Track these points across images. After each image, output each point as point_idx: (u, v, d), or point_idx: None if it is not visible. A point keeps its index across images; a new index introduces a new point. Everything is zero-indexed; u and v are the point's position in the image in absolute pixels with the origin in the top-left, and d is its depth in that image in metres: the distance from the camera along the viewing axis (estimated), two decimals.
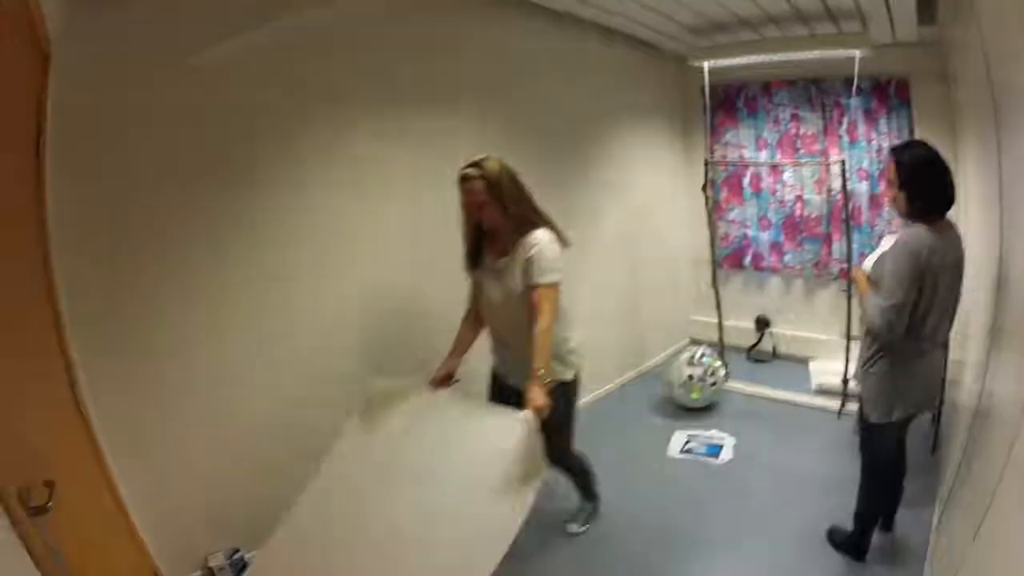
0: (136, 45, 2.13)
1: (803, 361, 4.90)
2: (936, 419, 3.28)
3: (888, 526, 2.74)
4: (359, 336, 2.94)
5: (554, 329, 2.25)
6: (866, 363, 2.36)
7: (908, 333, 2.22)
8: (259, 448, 2.58)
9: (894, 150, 2.30)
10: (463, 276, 2.56)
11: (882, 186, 4.22)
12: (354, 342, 2.92)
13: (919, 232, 2.17)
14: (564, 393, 2.41)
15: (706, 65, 4.59)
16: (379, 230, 2.99)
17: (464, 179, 2.24)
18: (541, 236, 2.27)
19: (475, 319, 2.54)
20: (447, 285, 2.70)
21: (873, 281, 2.29)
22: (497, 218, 2.27)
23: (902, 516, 2.72)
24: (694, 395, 4.10)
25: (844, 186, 3.94)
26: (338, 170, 2.81)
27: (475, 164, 2.24)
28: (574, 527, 2.97)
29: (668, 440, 3.85)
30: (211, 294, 2.44)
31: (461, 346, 2.50)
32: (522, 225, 2.28)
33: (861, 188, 4.56)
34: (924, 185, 2.19)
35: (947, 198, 2.20)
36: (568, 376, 2.45)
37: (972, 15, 2.02)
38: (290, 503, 2.01)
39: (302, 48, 2.59)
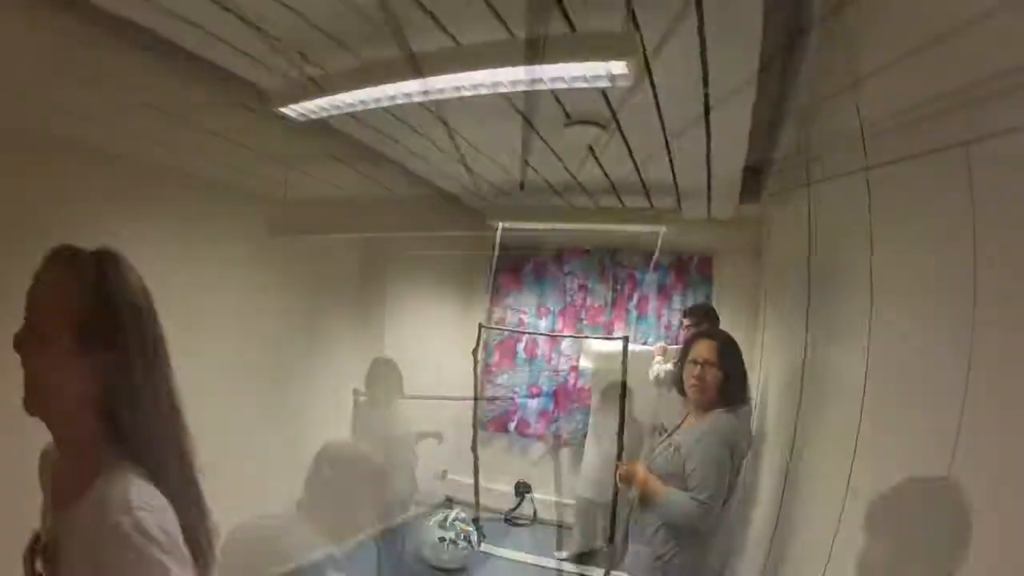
0: None
1: (566, 527, 4.72)
2: None
3: None
4: None
5: None
6: (662, 557, 2.05)
7: None
8: None
9: (703, 333, 2.25)
10: None
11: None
12: None
13: (731, 421, 2.05)
14: None
15: (500, 226, 4.56)
16: None
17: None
18: None
19: None
20: None
21: (671, 474, 2.04)
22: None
23: None
24: (446, 556, 4.16)
25: (624, 361, 3.89)
26: None
27: None
28: None
29: None
30: None
31: None
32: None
33: None
34: (739, 365, 2.13)
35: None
36: None
37: (805, 197, 2.07)
38: None
39: None
